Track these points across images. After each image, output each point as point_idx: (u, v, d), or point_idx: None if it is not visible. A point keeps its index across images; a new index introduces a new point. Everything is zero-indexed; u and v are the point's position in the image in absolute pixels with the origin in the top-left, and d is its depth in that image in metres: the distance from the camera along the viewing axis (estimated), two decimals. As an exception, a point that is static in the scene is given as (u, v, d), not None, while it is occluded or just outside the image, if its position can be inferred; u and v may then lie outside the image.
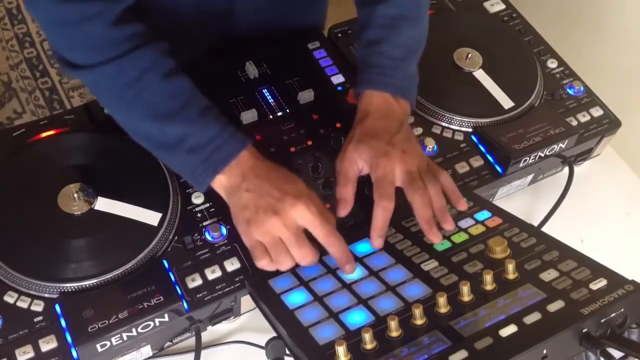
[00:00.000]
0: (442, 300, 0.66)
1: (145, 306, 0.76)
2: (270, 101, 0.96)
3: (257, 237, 0.75)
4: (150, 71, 0.77)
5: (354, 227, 0.85)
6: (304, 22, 1.08)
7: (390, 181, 0.79)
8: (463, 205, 0.82)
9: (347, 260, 0.75)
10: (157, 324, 0.76)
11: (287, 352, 0.70)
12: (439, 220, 0.79)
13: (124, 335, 0.75)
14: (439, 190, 0.80)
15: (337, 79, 1.00)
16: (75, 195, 0.82)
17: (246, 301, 0.82)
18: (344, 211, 0.81)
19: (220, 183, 0.79)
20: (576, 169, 1.00)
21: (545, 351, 0.60)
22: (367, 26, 0.90)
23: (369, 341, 0.63)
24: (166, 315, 0.77)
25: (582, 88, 1.02)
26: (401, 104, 0.87)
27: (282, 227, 0.74)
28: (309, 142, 0.92)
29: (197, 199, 0.86)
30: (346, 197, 0.81)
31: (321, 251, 0.79)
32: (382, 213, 0.78)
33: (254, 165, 0.78)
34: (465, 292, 0.67)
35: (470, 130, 0.96)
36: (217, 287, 0.79)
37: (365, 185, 0.88)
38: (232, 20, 0.99)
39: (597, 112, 1.00)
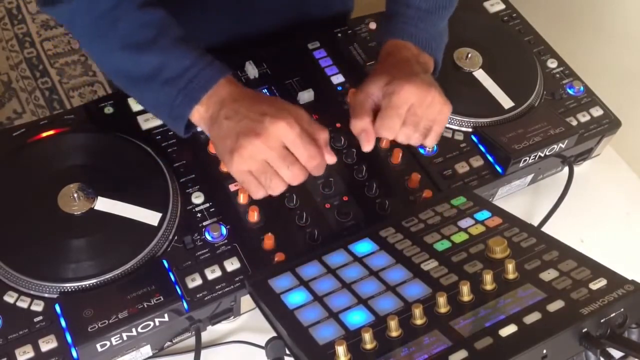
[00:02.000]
0: (442, 300, 0.66)
1: (145, 306, 0.76)
2: (270, 101, 0.96)
3: (243, 166, 0.72)
4: (124, 1, 0.75)
5: (354, 227, 0.85)
6: (332, 9, 1.06)
7: (400, 114, 0.77)
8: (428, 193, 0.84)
9: (318, 167, 0.74)
10: (157, 323, 0.77)
11: (287, 352, 0.70)
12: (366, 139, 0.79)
13: (124, 335, 0.75)
14: (410, 138, 0.80)
15: (337, 79, 1.00)
16: (75, 195, 0.82)
17: (246, 301, 0.82)
18: (367, 143, 0.78)
19: (199, 115, 0.75)
20: (576, 169, 1.00)
21: (545, 351, 0.60)
22: None
23: (369, 341, 0.63)
24: (166, 315, 0.77)
25: (582, 88, 1.02)
26: (424, 58, 0.84)
27: (266, 149, 0.71)
28: (309, 142, 0.92)
29: (197, 199, 0.86)
30: (365, 127, 0.78)
31: (321, 251, 0.79)
32: (372, 143, 0.78)
33: (232, 91, 0.75)
34: (465, 292, 0.67)
35: (470, 130, 0.96)
36: (217, 287, 0.79)
37: (365, 185, 0.88)
38: (255, 7, 0.98)
39: (597, 112, 1.00)
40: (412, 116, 0.78)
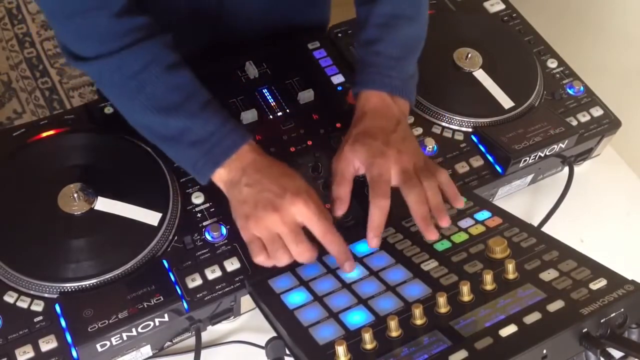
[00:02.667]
0: (442, 300, 0.66)
1: (145, 306, 0.76)
2: (270, 101, 0.96)
3: (255, 232, 0.76)
4: (152, 64, 0.78)
5: (354, 227, 0.85)
6: (307, 22, 1.08)
7: (386, 180, 0.79)
8: (460, 202, 0.82)
9: (346, 258, 0.76)
10: (157, 323, 0.76)
11: (287, 352, 0.70)
12: (435, 218, 0.79)
13: (124, 335, 0.75)
14: (436, 188, 0.80)
15: (337, 79, 1.00)
16: (75, 195, 0.82)
17: (246, 301, 0.82)
18: (340, 210, 0.81)
19: (220, 177, 0.79)
20: (576, 169, 1.00)
21: (545, 351, 0.60)
22: (364, 25, 0.89)
23: (369, 341, 0.63)
24: (166, 315, 0.77)
25: (582, 88, 1.02)
26: (399, 103, 0.87)
27: (281, 223, 0.74)
28: (309, 142, 0.92)
29: (197, 199, 0.86)
30: (342, 197, 0.81)
31: (321, 251, 0.79)
32: (378, 212, 0.78)
33: (254, 160, 0.78)
34: (465, 292, 0.67)
35: (470, 130, 0.96)
36: (217, 287, 0.79)
37: (365, 186, 0.88)
38: (224, 22, 0.99)
39: (597, 112, 1.00)
40: (403, 175, 0.80)
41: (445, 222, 0.79)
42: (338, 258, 0.76)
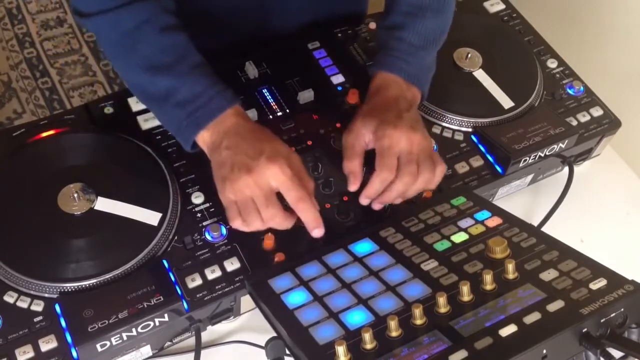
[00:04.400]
0: (442, 300, 0.66)
1: (145, 306, 0.76)
2: (270, 101, 0.96)
3: (231, 195, 0.76)
4: (147, 23, 0.79)
5: (354, 227, 0.85)
6: (348, 11, 1.09)
7: (395, 153, 0.80)
8: (428, 193, 0.85)
9: (316, 225, 0.77)
10: (157, 323, 0.77)
11: (287, 352, 0.70)
12: (381, 198, 0.82)
13: (124, 335, 0.75)
14: (424, 183, 0.82)
15: (337, 79, 1.00)
16: (75, 195, 0.82)
17: (246, 301, 0.82)
18: (354, 185, 0.81)
19: (203, 140, 0.80)
20: (576, 169, 1.00)
21: (545, 351, 0.60)
22: (390, 11, 0.92)
23: (369, 341, 0.63)
24: (166, 315, 0.77)
25: (582, 88, 1.02)
26: (412, 91, 0.88)
27: (254, 186, 0.74)
28: (309, 142, 0.92)
29: (197, 199, 0.86)
30: (354, 170, 0.82)
31: (321, 251, 0.79)
32: (379, 182, 0.79)
33: (237, 123, 0.79)
34: (465, 292, 0.67)
35: (470, 130, 0.96)
36: (217, 287, 0.79)
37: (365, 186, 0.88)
38: (274, 10, 1.01)
39: (597, 112, 1.00)
40: (408, 155, 0.81)
41: (375, 205, 0.83)
42: (308, 224, 0.77)
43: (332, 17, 1.06)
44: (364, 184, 0.83)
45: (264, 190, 0.75)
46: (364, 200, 0.82)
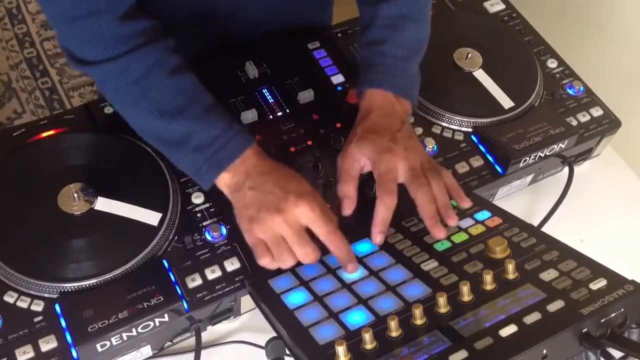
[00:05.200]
0: (442, 300, 0.66)
1: (145, 306, 0.76)
2: (270, 101, 0.96)
3: (260, 234, 0.75)
4: (156, 68, 0.77)
5: (354, 227, 0.85)
6: (309, 22, 1.08)
7: (393, 178, 0.80)
8: (467, 202, 0.82)
9: (349, 260, 0.75)
10: (157, 324, 0.77)
11: (287, 352, 0.70)
12: (442, 217, 0.79)
13: (124, 335, 0.75)
14: (442, 187, 0.81)
15: (337, 79, 1.00)
16: (75, 195, 0.82)
17: (246, 301, 0.82)
18: (348, 209, 0.81)
19: (224, 181, 0.79)
20: (576, 169, 1.00)
21: (545, 351, 0.60)
22: (369, 26, 0.90)
23: (369, 341, 0.63)
24: (166, 315, 0.77)
25: (582, 88, 1.02)
26: (402, 103, 0.87)
27: (285, 226, 0.74)
28: (309, 142, 0.92)
29: (197, 199, 0.86)
30: (349, 194, 0.81)
31: (321, 251, 0.79)
32: (384, 209, 0.78)
33: (257, 163, 0.78)
34: (465, 292, 0.67)
35: (470, 130, 0.96)
36: (217, 287, 0.79)
37: (365, 186, 0.88)
38: (237, 19, 0.99)
39: (597, 112, 1.00)
40: (410, 172, 0.81)
41: (453, 221, 0.79)
42: (341, 259, 0.76)
43: (294, 28, 1.05)
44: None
45: (295, 229, 0.74)
46: (378, 238, 0.79)
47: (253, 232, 0.76)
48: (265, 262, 0.76)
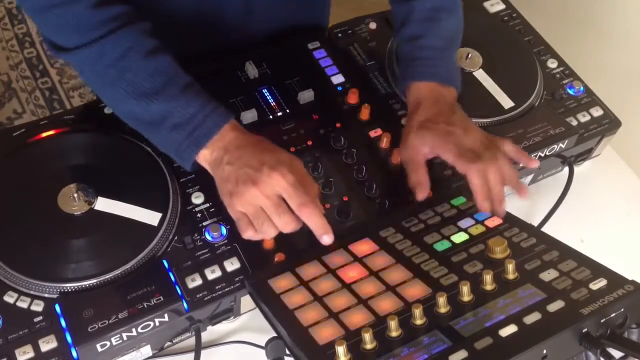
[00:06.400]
0: (442, 300, 0.66)
1: (145, 306, 0.76)
2: (270, 101, 0.96)
3: (240, 208, 0.77)
4: (132, 51, 0.78)
5: (354, 227, 0.85)
6: (308, 22, 1.09)
7: (466, 150, 0.83)
8: (535, 162, 0.86)
9: (324, 231, 0.77)
10: (157, 324, 0.77)
11: (287, 352, 0.70)
12: (514, 191, 0.83)
13: (124, 335, 0.75)
14: (506, 160, 0.83)
15: (337, 79, 1.00)
16: (75, 195, 0.82)
17: (246, 301, 0.82)
18: (422, 194, 0.83)
19: (204, 158, 0.80)
20: (576, 169, 1.00)
21: (545, 351, 0.60)
22: (406, 22, 0.93)
23: (369, 341, 0.63)
24: (166, 315, 0.77)
25: (582, 88, 1.02)
26: (449, 91, 0.90)
27: (262, 197, 0.75)
28: (309, 142, 0.92)
29: (197, 199, 0.86)
30: (421, 181, 0.84)
31: (321, 251, 0.79)
32: (477, 176, 0.81)
33: (236, 137, 0.79)
34: (465, 292, 0.67)
35: (470, 130, 0.96)
36: (217, 287, 0.79)
37: (365, 185, 0.88)
38: (229, 23, 1.00)
39: (597, 112, 1.00)
40: (474, 149, 0.83)
41: (524, 193, 0.83)
42: (315, 231, 0.77)
43: (292, 29, 1.06)
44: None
45: (272, 200, 0.75)
46: (500, 209, 0.81)
47: (234, 205, 0.77)
48: (248, 234, 0.77)
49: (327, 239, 0.77)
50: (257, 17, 1.01)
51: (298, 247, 0.82)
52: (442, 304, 0.66)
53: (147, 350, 0.80)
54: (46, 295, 0.77)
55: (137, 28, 0.80)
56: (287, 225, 0.76)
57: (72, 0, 0.76)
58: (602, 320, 0.62)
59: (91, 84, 0.84)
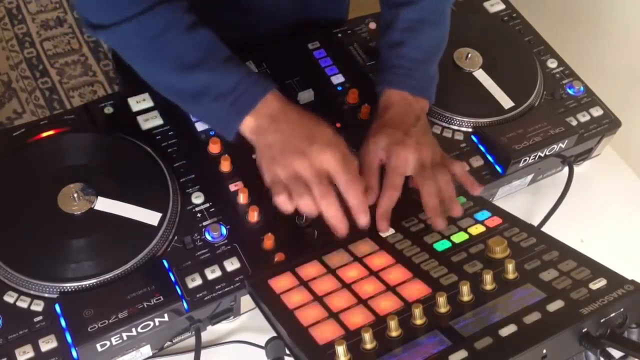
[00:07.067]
0: (442, 300, 0.66)
1: (145, 306, 0.76)
2: (270, 101, 0.96)
3: (280, 172, 0.77)
4: (171, 27, 0.79)
5: (354, 227, 0.85)
6: (328, 15, 1.10)
7: (401, 172, 0.82)
8: (477, 189, 0.84)
9: (363, 211, 0.77)
10: (157, 323, 0.77)
11: (287, 352, 0.70)
12: (447, 208, 0.82)
13: (124, 335, 0.75)
14: (449, 180, 0.83)
15: (337, 79, 1.00)
16: (75, 195, 0.82)
17: (246, 301, 0.82)
18: (371, 198, 0.82)
19: (247, 126, 0.80)
20: (576, 169, 1.00)
21: (545, 351, 0.60)
22: (390, 28, 0.92)
23: (369, 341, 0.63)
24: (166, 315, 0.77)
25: (582, 88, 1.02)
26: (419, 102, 0.89)
27: (308, 167, 0.76)
28: (309, 142, 0.92)
29: (197, 199, 0.86)
30: (371, 185, 0.83)
31: (321, 251, 0.79)
32: (387, 201, 0.81)
33: (283, 108, 0.80)
34: (465, 292, 0.67)
35: (470, 130, 0.96)
36: (217, 287, 0.79)
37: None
38: (248, 19, 1.01)
39: (597, 112, 1.00)
40: (420, 167, 0.83)
41: (456, 212, 0.82)
42: (354, 208, 0.77)
43: (311, 22, 1.07)
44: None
45: (316, 171, 0.76)
46: (382, 224, 0.81)
47: (274, 169, 0.77)
48: (282, 199, 0.77)
49: (364, 218, 0.77)
50: (285, 7, 1.01)
51: (298, 247, 0.82)
52: (442, 304, 0.66)
53: (147, 350, 0.80)
54: (46, 295, 0.77)
55: (175, 4, 0.80)
56: (324, 197, 0.76)
57: None
58: (602, 320, 0.62)
59: (131, 60, 0.83)
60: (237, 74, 0.79)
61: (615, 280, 0.66)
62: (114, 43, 0.83)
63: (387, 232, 0.82)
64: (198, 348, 0.78)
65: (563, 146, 0.95)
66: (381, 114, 0.88)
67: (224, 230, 0.83)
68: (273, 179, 0.78)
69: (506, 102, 0.98)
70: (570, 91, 1.02)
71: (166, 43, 0.79)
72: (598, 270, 0.68)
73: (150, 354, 0.81)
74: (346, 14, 1.15)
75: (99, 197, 0.83)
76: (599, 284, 0.66)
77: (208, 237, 0.83)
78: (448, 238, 0.79)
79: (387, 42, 0.92)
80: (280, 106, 0.80)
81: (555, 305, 0.64)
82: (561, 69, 1.05)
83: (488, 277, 0.68)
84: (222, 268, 0.80)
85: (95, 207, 0.82)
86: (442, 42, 0.94)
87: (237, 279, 0.80)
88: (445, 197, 0.82)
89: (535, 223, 0.94)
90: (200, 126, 0.92)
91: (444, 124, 0.96)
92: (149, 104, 0.94)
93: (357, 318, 0.69)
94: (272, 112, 0.79)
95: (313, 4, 1.07)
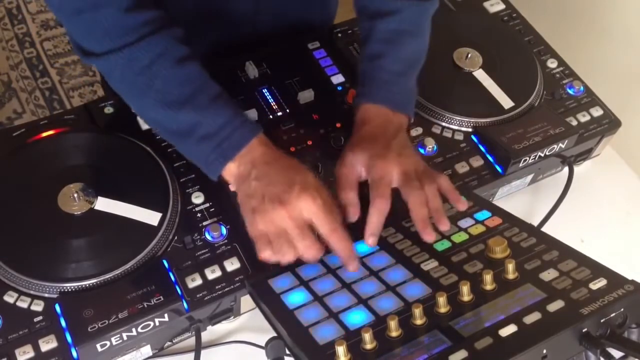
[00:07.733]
0: (442, 300, 0.66)
1: (145, 306, 0.76)
2: (270, 101, 0.96)
3: (262, 226, 0.75)
4: (161, 58, 0.77)
5: (353, 227, 0.85)
6: (313, 18, 1.09)
7: (387, 182, 0.80)
8: (463, 204, 0.82)
9: (351, 258, 0.75)
10: (157, 323, 0.77)
11: (287, 352, 0.70)
12: (434, 221, 0.79)
13: (124, 335, 0.75)
14: (435, 191, 0.81)
15: (337, 79, 1.00)
16: (75, 195, 0.82)
17: (246, 301, 0.82)
18: (353, 215, 0.80)
19: (229, 171, 0.79)
20: (576, 169, 1.00)
21: (545, 351, 0.60)
22: (368, 39, 0.90)
23: (368, 341, 0.63)
24: (166, 315, 0.77)
25: (582, 88, 1.02)
26: (398, 117, 0.87)
27: (287, 218, 0.74)
28: (309, 142, 0.92)
29: (197, 199, 0.86)
30: (351, 201, 0.81)
31: (324, 249, 0.79)
32: (376, 213, 0.78)
33: (264, 152, 0.78)
34: (465, 292, 0.67)
35: (470, 130, 0.96)
36: (217, 287, 0.79)
37: (365, 186, 0.88)
38: (232, 22, 1.00)
39: (597, 112, 1.00)
40: (404, 176, 0.81)
41: (444, 225, 0.79)
42: (343, 257, 0.75)
43: (297, 27, 1.05)
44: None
45: (297, 222, 0.74)
46: (370, 240, 0.79)
47: (256, 223, 0.75)
48: (265, 255, 0.75)
49: (352, 266, 0.75)
50: (264, 14, 1.00)
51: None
52: (442, 304, 0.66)
53: (147, 350, 0.80)
54: (46, 295, 0.77)
55: (168, 34, 0.78)
56: (308, 250, 0.74)
57: (103, 4, 0.75)
58: (602, 320, 0.62)
59: (119, 91, 0.82)
60: (224, 116, 0.77)
61: (615, 280, 0.66)
62: (105, 71, 0.81)
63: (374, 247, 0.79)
64: (198, 348, 0.78)
65: (563, 146, 0.95)
66: (359, 128, 0.86)
67: (224, 230, 0.83)
68: (256, 234, 0.76)
69: (506, 102, 0.98)
70: (570, 91, 1.02)
71: (155, 76, 0.77)
72: (598, 270, 0.68)
73: (150, 354, 0.81)
74: (333, 17, 1.14)
75: (99, 197, 0.83)
76: (599, 284, 0.66)
77: (208, 237, 0.83)
78: (448, 238, 0.79)
79: (367, 54, 0.90)
80: (263, 151, 0.78)
81: (555, 305, 0.64)
82: (561, 69, 1.05)
83: (488, 277, 0.68)
84: (222, 268, 0.80)
85: (95, 207, 0.82)
86: (421, 54, 0.92)
87: (237, 279, 0.80)
88: (432, 209, 0.79)
89: (535, 223, 0.94)
90: (200, 126, 0.92)
91: (444, 124, 0.96)
92: (149, 104, 0.93)
93: (357, 318, 0.69)
94: (254, 158, 0.77)
95: (299, 10, 1.06)
